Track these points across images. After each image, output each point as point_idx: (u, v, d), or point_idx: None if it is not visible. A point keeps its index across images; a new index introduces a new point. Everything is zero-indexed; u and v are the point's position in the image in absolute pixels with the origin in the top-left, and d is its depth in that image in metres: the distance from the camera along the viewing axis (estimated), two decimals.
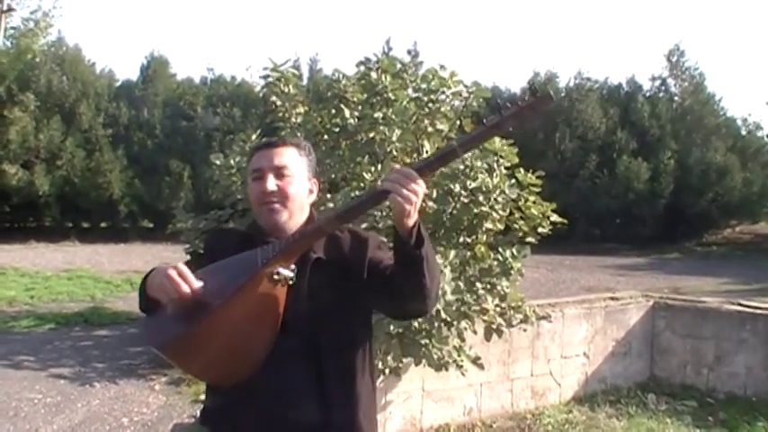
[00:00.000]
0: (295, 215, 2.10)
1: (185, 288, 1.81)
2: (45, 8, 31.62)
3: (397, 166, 1.86)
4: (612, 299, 7.45)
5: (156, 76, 22.74)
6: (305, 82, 20.87)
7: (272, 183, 2.08)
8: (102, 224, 21.85)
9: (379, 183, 1.86)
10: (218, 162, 5.95)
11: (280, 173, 2.09)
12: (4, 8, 29.71)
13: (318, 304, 2.02)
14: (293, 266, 1.91)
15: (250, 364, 1.96)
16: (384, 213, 4.60)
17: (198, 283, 1.83)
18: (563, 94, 22.79)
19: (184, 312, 1.85)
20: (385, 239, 2.30)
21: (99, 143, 20.74)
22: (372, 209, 2.14)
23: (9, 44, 26.78)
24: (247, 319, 1.89)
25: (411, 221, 1.83)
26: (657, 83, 23.94)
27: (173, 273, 1.83)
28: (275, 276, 1.87)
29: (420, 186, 1.81)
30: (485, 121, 1.89)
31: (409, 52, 20.88)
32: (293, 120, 6.03)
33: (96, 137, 20.82)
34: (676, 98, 23.58)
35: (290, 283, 1.91)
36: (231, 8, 70.63)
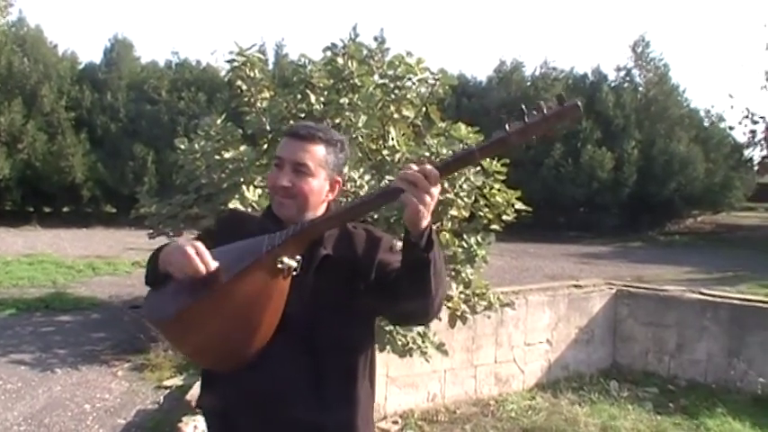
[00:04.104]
0: (306, 212, 2.03)
1: (201, 267, 1.78)
2: None
3: (413, 165, 1.79)
4: (576, 286, 7.53)
5: (120, 60, 22.40)
6: (271, 67, 20.72)
7: (287, 178, 2.02)
8: (65, 209, 21.54)
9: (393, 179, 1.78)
10: (182, 147, 5.90)
11: (298, 169, 2.02)
12: None
13: (321, 302, 1.98)
14: (298, 257, 1.87)
15: (246, 351, 1.92)
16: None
17: (214, 263, 1.80)
18: (528, 83, 22.90)
19: (185, 290, 1.82)
20: (399, 242, 2.25)
21: (61, 126, 20.41)
22: (384, 206, 2.05)
23: None
24: (246, 305, 1.85)
25: (424, 223, 1.77)
26: (622, 73, 24.07)
27: (191, 251, 1.79)
28: (279, 265, 1.84)
29: (437, 189, 1.76)
30: (507, 126, 1.83)
31: (376, 39, 20.64)
32: (259, 104, 5.99)
33: (59, 120, 20.47)
34: (641, 89, 23.72)
35: (294, 273, 1.87)
36: None
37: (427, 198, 1.73)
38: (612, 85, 23.63)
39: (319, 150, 2.04)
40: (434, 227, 1.82)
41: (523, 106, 1.82)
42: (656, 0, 73.37)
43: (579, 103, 1.83)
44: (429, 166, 1.76)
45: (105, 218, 20.75)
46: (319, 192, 2.05)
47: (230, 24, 66.34)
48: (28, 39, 21.49)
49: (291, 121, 5.79)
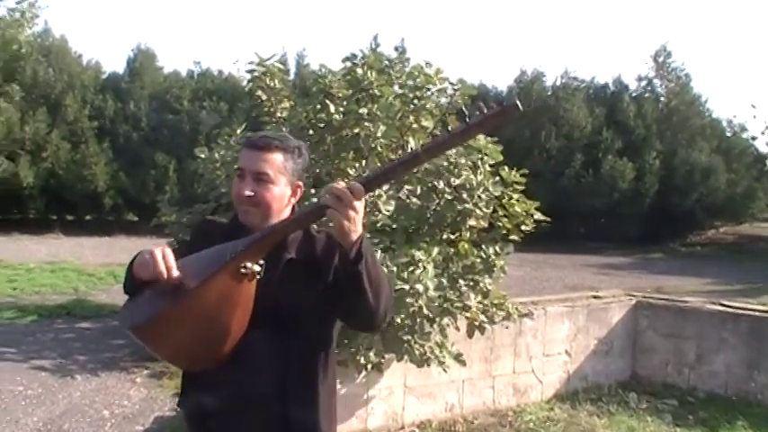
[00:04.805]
0: (271, 218, 2.13)
1: (163, 270, 1.88)
2: None
3: (341, 184, 1.89)
4: (595, 297, 7.49)
5: (143, 69, 22.61)
6: (292, 77, 20.84)
7: (249, 187, 2.12)
8: (87, 217, 21.73)
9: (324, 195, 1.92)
10: (202, 156, 5.97)
11: (259, 178, 2.12)
12: None
13: (286, 304, 2.08)
14: (261, 262, 1.97)
15: (218, 352, 2.02)
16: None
17: (175, 272, 1.90)
18: (549, 93, 22.84)
19: (157, 298, 1.94)
20: None
21: (84, 135, 20.62)
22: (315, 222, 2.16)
23: None
24: (215, 309, 1.95)
25: (353, 236, 1.89)
26: (644, 83, 24.00)
27: (157, 253, 1.91)
28: (242, 270, 1.94)
29: (361, 203, 1.87)
30: (449, 128, 1.93)
31: (396, 49, 20.90)
32: (279, 114, 6.04)
33: (82, 129, 20.69)
34: (662, 98, 23.63)
35: (258, 277, 1.98)
36: (219, 1, 70.43)
37: (351, 213, 1.85)
38: (633, 95, 23.57)
39: (277, 158, 2.15)
40: (365, 236, 1.95)
41: (464, 108, 1.92)
42: (678, 10, 73.07)
43: (518, 103, 1.90)
44: (355, 183, 1.88)
45: (127, 226, 20.89)
46: (281, 198, 2.16)
47: (252, 34, 66.81)
48: (53, 49, 21.78)
49: (311, 131, 5.84)
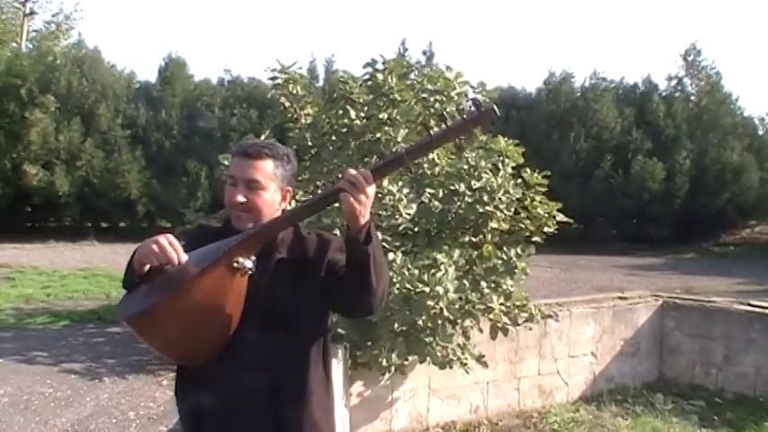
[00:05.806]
0: (262, 222, 2.19)
1: (173, 255, 1.98)
2: (66, 11, 32.32)
3: (352, 170, 1.96)
4: (621, 298, 7.46)
5: (174, 78, 22.86)
6: (321, 83, 20.99)
7: (241, 194, 2.20)
8: (121, 224, 22.01)
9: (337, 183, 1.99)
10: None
11: (250, 185, 2.20)
12: (27, 12, 30.27)
13: (278, 301, 2.16)
14: (253, 258, 2.06)
15: (208, 347, 2.10)
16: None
17: (184, 257, 2.00)
18: (578, 94, 22.74)
19: (154, 290, 2.02)
20: None
21: (118, 144, 20.91)
22: (327, 207, 2.26)
23: (31, 46, 27.18)
24: (207, 302, 2.03)
25: (363, 220, 1.97)
26: (673, 82, 23.74)
27: (164, 241, 1.99)
28: (235, 264, 2.02)
29: (371, 189, 1.96)
30: (431, 132, 2.02)
31: (424, 53, 20.95)
32: (302, 120, 6.12)
33: (115, 138, 20.97)
34: (692, 98, 23.37)
35: (250, 273, 2.05)
36: (248, 9, 70.84)
37: (362, 197, 1.94)
38: (663, 94, 23.33)
39: (267, 165, 2.23)
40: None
41: (444, 113, 2.01)
42: (708, 7, 72.21)
43: (495, 107, 1.97)
44: (365, 170, 1.97)
45: (160, 232, 21.09)
46: (272, 203, 2.24)
47: (282, 41, 67.11)
48: (87, 60, 22.11)
49: (333, 137, 5.91)
